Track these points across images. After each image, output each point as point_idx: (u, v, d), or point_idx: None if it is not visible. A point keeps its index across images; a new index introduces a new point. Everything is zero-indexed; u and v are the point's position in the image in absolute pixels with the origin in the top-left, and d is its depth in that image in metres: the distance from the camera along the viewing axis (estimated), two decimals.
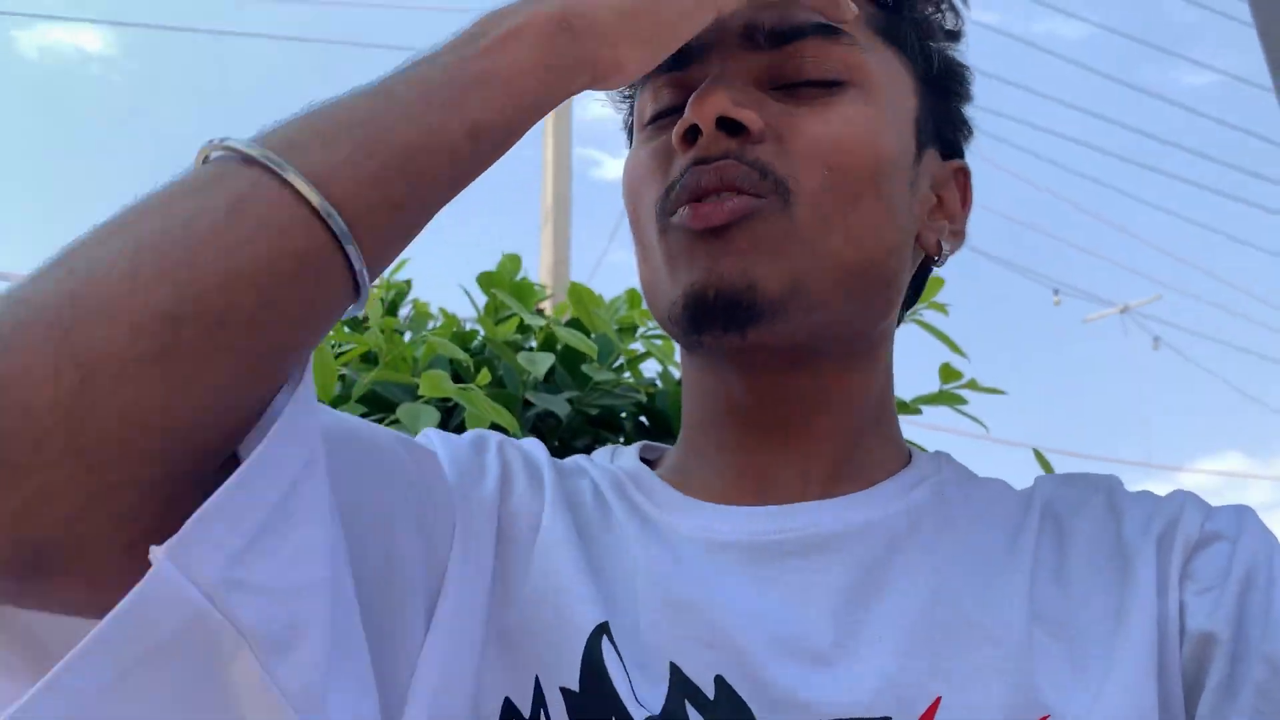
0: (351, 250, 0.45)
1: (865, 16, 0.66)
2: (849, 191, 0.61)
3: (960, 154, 0.73)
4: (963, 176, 0.73)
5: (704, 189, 0.59)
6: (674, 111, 0.65)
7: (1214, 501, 0.63)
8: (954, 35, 0.72)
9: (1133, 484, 0.66)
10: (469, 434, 0.69)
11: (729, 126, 0.60)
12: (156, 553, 0.40)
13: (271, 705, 0.42)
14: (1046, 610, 0.58)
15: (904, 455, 0.70)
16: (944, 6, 0.71)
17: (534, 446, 0.70)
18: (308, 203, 0.44)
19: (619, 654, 0.57)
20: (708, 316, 0.59)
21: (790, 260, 0.59)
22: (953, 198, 0.71)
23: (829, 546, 0.61)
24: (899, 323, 0.75)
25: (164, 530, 0.40)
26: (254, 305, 0.43)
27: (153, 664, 0.41)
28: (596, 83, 0.56)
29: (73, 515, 0.40)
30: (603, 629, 0.57)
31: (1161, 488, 0.66)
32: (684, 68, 0.64)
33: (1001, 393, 1.20)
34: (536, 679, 0.57)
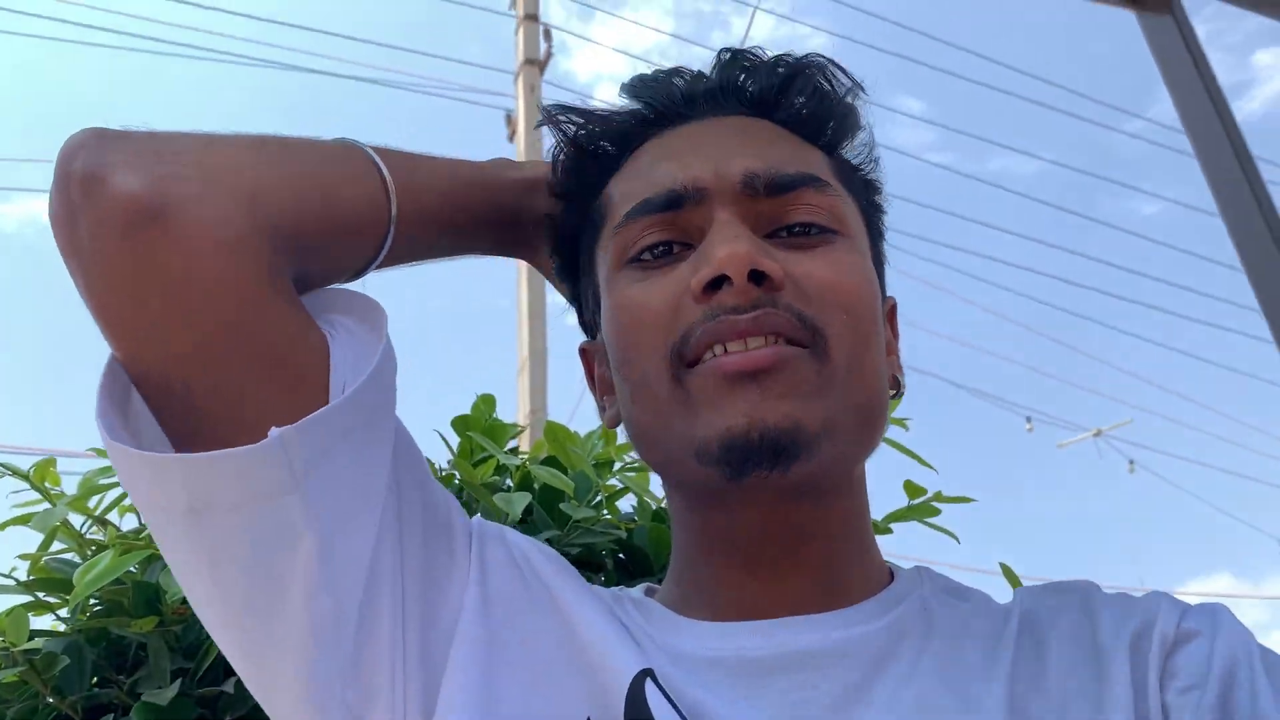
0: (389, 182, 0.68)
1: (830, 167, 0.72)
2: (861, 334, 0.65)
3: (886, 289, 0.77)
4: (894, 314, 0.77)
5: (739, 335, 0.62)
6: (663, 249, 0.68)
7: None
8: (880, 187, 0.79)
9: None
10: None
11: (755, 276, 0.63)
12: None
13: None
14: (1027, 716, 0.58)
15: (885, 573, 0.71)
16: (872, 157, 0.78)
17: (536, 545, 0.75)
18: (378, 170, 0.68)
19: (665, 694, 0.59)
20: (752, 457, 0.61)
21: (825, 401, 0.62)
22: (891, 336, 0.76)
23: (815, 663, 0.61)
24: None
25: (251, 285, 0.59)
26: (339, 178, 0.67)
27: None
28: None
29: (193, 198, 0.58)
30: (647, 672, 0.60)
31: None
32: (678, 209, 0.68)
33: (971, 500, 1.21)
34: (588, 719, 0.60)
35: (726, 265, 0.62)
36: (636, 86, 0.77)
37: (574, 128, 0.77)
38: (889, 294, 0.77)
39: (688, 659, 0.63)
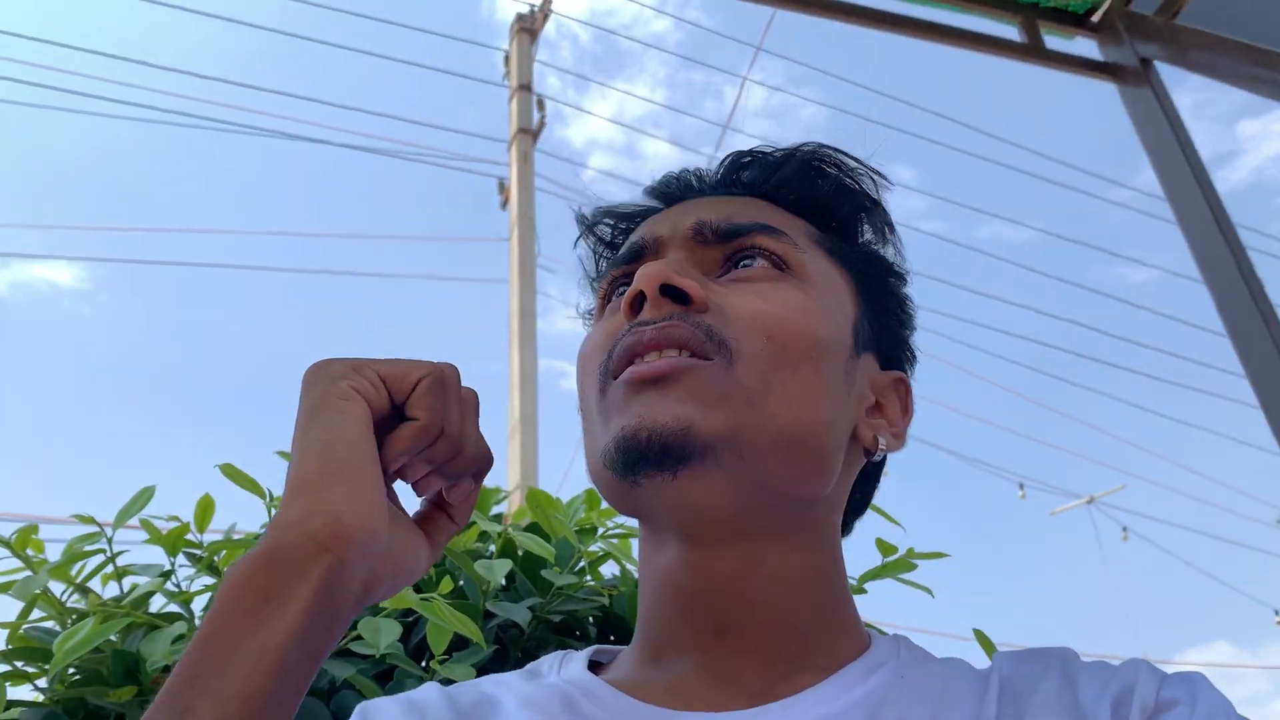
0: None
1: (809, 233, 0.74)
2: (787, 360, 0.64)
3: (902, 369, 0.78)
4: (903, 388, 0.77)
5: (646, 345, 0.63)
6: (621, 294, 0.71)
7: None
8: (897, 271, 0.79)
9: None
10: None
11: (673, 294, 0.65)
12: None
13: None
14: None
15: (864, 641, 0.69)
16: (884, 240, 0.79)
17: (426, 693, 0.69)
18: None
19: None
20: (641, 458, 0.61)
21: (726, 410, 0.62)
22: (893, 406, 0.75)
23: None
24: (848, 529, 0.78)
25: None
26: None
27: None
28: (341, 556, 0.52)
29: None
30: None
31: None
32: (637, 260, 0.71)
33: (944, 555, 1.20)
34: None
35: (641, 282, 0.65)
36: (655, 185, 0.82)
37: (603, 227, 0.83)
38: (902, 372, 0.78)
39: None
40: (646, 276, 0.65)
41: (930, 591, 1.18)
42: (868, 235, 0.79)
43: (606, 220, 0.83)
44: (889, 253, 0.80)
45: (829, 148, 0.77)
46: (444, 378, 0.60)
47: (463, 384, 0.62)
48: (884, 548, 1.19)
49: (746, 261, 0.69)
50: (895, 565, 1.19)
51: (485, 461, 0.63)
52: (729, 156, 0.80)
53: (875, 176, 0.78)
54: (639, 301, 0.66)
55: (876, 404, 0.74)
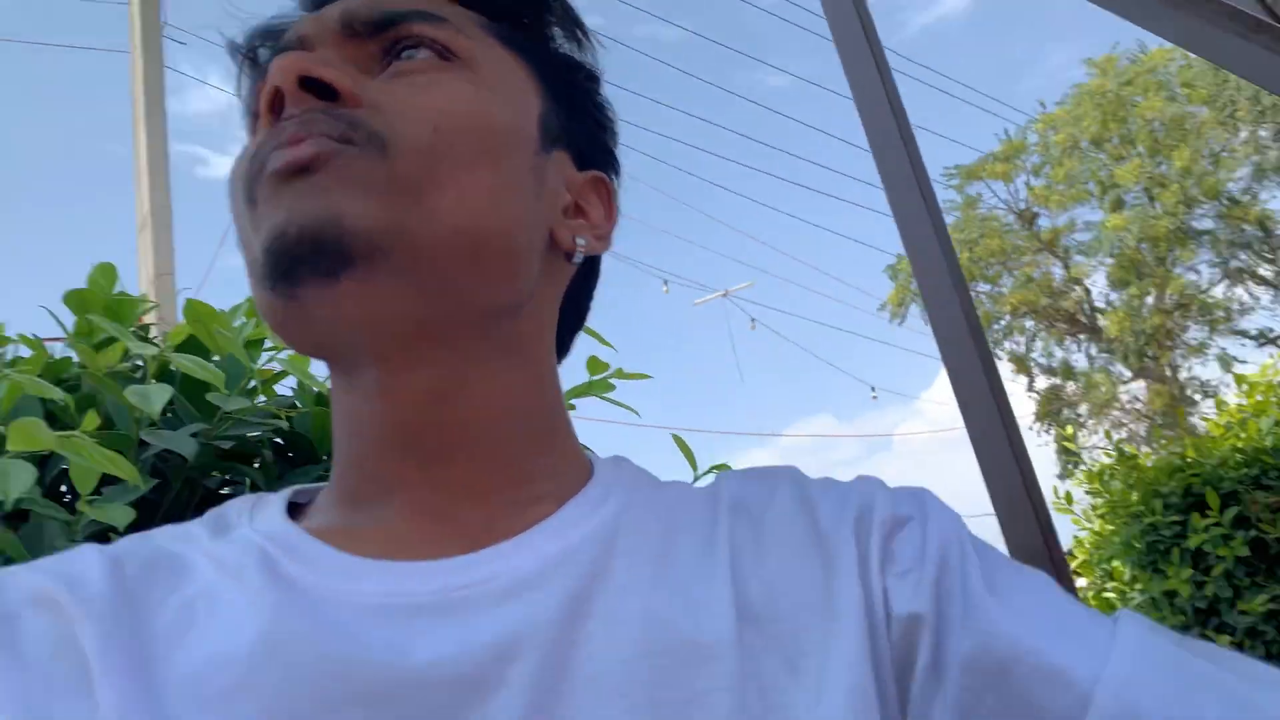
0: None
1: (478, 22, 0.66)
2: (458, 154, 0.57)
3: (602, 169, 0.72)
4: (604, 189, 0.72)
5: (288, 140, 0.54)
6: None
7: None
8: (588, 70, 0.73)
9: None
10: None
11: (317, 89, 0.56)
12: None
13: None
14: (754, 608, 0.55)
15: (585, 466, 0.66)
16: (565, 32, 0.72)
17: (81, 562, 0.54)
18: None
19: None
20: (293, 260, 0.52)
21: (387, 204, 0.54)
22: (595, 208, 0.70)
23: (532, 585, 0.55)
24: (566, 348, 0.74)
25: None
26: None
27: None
28: None
29: None
30: None
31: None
32: None
33: (647, 377, 1.23)
34: None
35: (275, 77, 0.56)
36: None
37: (262, 51, 0.68)
38: (603, 173, 0.72)
39: (374, 610, 0.52)
40: (281, 70, 0.55)
41: (636, 411, 1.20)
42: (557, 38, 0.72)
43: (261, 43, 0.69)
44: (580, 54, 0.73)
45: None
46: None
47: None
48: (594, 366, 1.19)
49: (408, 53, 0.61)
50: (599, 385, 1.20)
51: None
52: None
53: None
54: (279, 103, 0.56)
55: (576, 205, 0.68)
